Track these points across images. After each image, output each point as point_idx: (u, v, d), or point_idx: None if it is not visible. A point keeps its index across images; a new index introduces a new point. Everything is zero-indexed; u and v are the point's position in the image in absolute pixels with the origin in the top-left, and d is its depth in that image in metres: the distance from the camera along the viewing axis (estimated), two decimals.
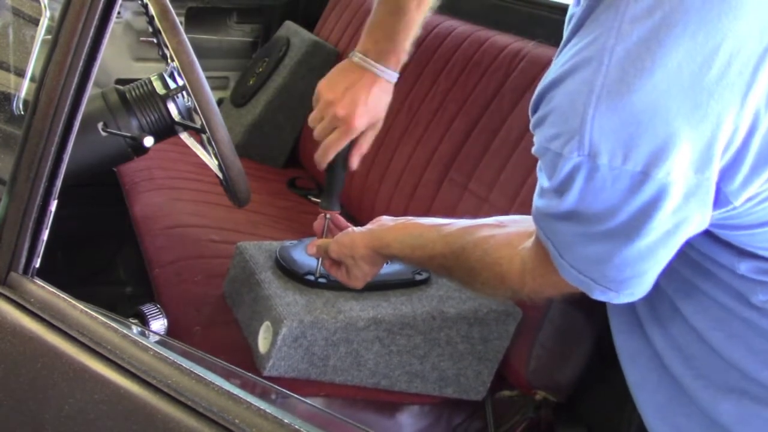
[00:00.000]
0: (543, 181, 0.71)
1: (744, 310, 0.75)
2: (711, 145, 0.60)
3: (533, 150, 0.70)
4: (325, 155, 1.12)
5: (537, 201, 0.74)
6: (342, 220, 1.17)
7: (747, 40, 0.58)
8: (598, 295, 0.73)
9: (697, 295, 0.80)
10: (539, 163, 0.72)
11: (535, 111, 0.70)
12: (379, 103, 1.11)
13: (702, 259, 0.77)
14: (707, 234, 0.71)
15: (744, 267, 0.73)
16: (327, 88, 1.11)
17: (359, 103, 1.09)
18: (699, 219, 0.65)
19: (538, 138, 0.68)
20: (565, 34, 0.71)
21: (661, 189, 0.62)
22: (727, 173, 0.63)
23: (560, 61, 0.67)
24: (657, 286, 0.76)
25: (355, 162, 1.15)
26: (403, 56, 1.12)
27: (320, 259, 1.15)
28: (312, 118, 1.13)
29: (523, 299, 0.86)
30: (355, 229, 1.08)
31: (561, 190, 0.67)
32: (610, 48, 0.61)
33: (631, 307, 0.88)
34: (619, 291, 0.72)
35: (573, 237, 0.71)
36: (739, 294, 0.75)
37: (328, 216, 1.15)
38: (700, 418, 0.82)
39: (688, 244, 0.71)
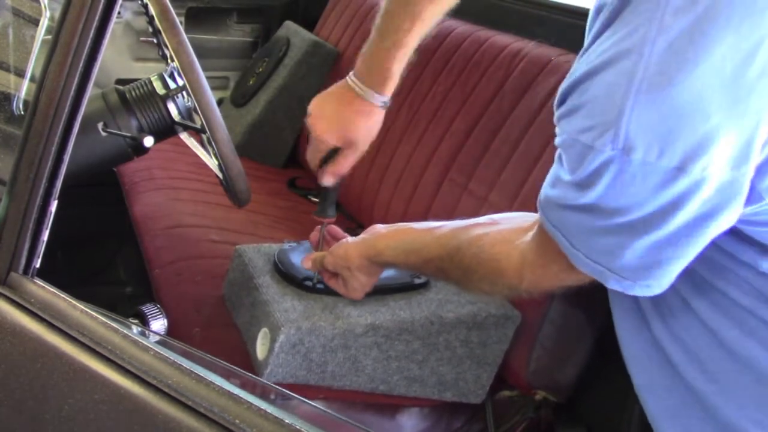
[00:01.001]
0: (562, 173, 0.69)
1: (761, 308, 0.74)
2: (750, 142, 0.59)
3: (557, 141, 0.68)
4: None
5: (549, 190, 0.72)
6: (338, 230, 1.17)
7: None
8: (613, 284, 0.71)
9: (713, 294, 0.78)
10: (557, 154, 0.70)
11: (562, 102, 0.68)
12: (352, 124, 1.10)
13: (721, 256, 0.75)
14: (730, 231, 0.69)
15: (767, 265, 0.71)
16: (316, 116, 1.12)
17: (327, 116, 1.10)
18: (729, 215, 0.64)
19: (566, 129, 0.66)
20: (595, 25, 0.68)
21: (695, 185, 0.60)
22: (762, 169, 0.62)
23: (596, 52, 0.65)
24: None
25: (324, 178, 1.14)
26: (394, 80, 1.11)
27: None
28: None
29: (521, 295, 0.85)
30: (349, 239, 1.08)
31: (585, 184, 0.65)
32: (651, 39, 0.59)
33: (637, 309, 0.86)
34: (635, 281, 0.70)
35: (586, 228, 0.69)
36: (760, 293, 0.73)
37: (323, 223, 1.15)
38: (713, 423, 0.80)
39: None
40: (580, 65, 0.66)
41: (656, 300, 0.80)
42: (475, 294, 1.11)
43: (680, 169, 0.60)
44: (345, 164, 1.12)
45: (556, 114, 0.69)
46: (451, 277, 0.93)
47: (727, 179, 0.61)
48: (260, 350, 1.07)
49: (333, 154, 1.12)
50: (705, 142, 0.59)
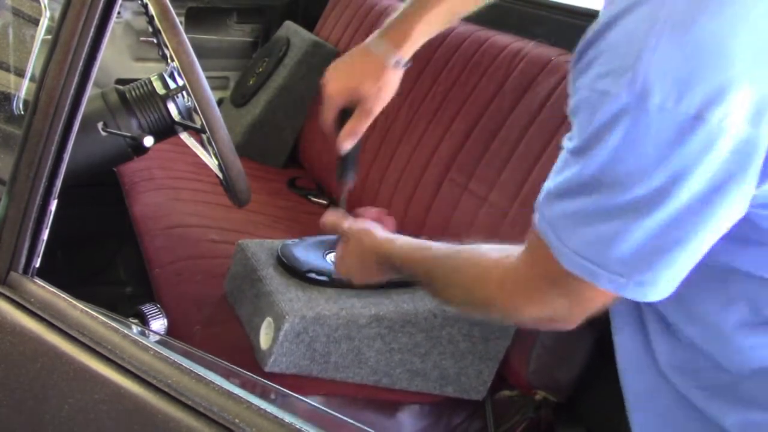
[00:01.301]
0: (567, 143, 0.67)
1: (755, 327, 0.72)
2: None
3: (569, 108, 0.66)
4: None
5: (550, 182, 0.69)
6: (385, 219, 1.10)
7: None
8: (605, 284, 0.66)
9: (705, 316, 0.75)
10: (564, 138, 0.68)
11: (578, 62, 0.66)
12: (361, 81, 1.06)
13: (713, 275, 0.72)
14: (734, 239, 0.66)
15: None
16: (328, 76, 1.08)
17: (338, 75, 1.07)
18: (741, 191, 0.60)
19: (582, 84, 0.64)
20: None
21: (710, 140, 0.57)
22: None
23: (613, 5, 0.63)
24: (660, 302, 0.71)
25: (340, 143, 1.09)
26: (414, 43, 1.07)
27: (323, 256, 1.16)
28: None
29: (492, 312, 0.81)
30: (379, 230, 1.03)
31: (593, 143, 0.62)
32: None
33: (636, 317, 0.84)
34: (629, 278, 0.65)
35: (583, 216, 0.65)
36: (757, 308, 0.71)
37: (345, 189, 1.12)
38: (709, 427, 0.79)
39: (708, 256, 0.66)
40: (597, 22, 0.64)
41: (653, 311, 0.78)
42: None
43: (697, 118, 0.57)
44: (358, 126, 1.08)
45: (572, 75, 0.66)
46: (434, 281, 0.89)
47: (744, 137, 0.58)
48: (264, 340, 1.08)
49: (346, 117, 1.08)
50: (725, 88, 0.56)
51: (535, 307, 0.75)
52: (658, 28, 0.57)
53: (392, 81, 1.08)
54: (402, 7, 1.07)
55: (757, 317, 0.72)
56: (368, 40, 1.07)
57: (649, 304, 0.81)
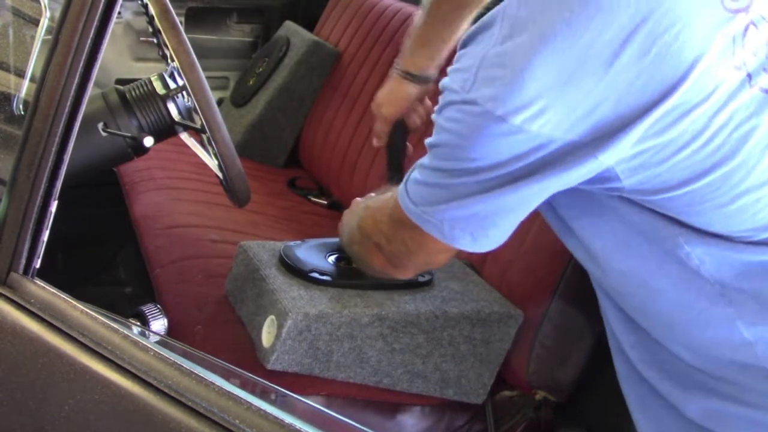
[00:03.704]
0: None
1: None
2: (574, 109, 0.65)
3: None
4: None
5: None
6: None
7: (619, 13, 0.63)
8: (437, 234, 0.80)
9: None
10: None
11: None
12: (396, 98, 1.24)
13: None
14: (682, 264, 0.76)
15: (708, 268, 0.76)
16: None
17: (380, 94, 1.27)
18: (546, 183, 0.71)
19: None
20: None
21: (515, 138, 0.68)
22: (599, 139, 0.68)
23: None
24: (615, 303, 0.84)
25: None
26: (413, 53, 1.22)
27: (326, 257, 1.16)
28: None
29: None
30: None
31: (437, 125, 0.76)
32: (503, 9, 0.70)
33: (602, 310, 0.94)
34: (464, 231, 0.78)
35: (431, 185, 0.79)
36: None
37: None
38: (677, 413, 0.85)
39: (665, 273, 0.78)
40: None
41: (616, 307, 0.89)
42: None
43: (503, 119, 0.67)
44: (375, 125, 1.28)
45: None
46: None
47: (545, 138, 0.68)
48: (266, 338, 1.08)
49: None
50: (531, 101, 0.66)
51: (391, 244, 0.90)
52: (493, 41, 0.69)
53: (397, 89, 1.25)
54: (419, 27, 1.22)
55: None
56: (397, 72, 1.25)
57: (609, 298, 0.92)
